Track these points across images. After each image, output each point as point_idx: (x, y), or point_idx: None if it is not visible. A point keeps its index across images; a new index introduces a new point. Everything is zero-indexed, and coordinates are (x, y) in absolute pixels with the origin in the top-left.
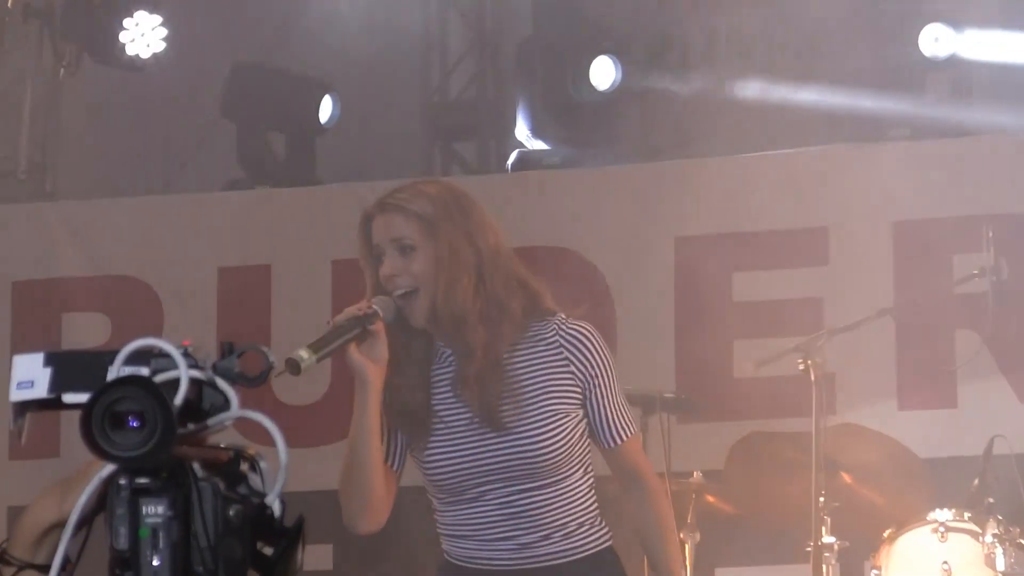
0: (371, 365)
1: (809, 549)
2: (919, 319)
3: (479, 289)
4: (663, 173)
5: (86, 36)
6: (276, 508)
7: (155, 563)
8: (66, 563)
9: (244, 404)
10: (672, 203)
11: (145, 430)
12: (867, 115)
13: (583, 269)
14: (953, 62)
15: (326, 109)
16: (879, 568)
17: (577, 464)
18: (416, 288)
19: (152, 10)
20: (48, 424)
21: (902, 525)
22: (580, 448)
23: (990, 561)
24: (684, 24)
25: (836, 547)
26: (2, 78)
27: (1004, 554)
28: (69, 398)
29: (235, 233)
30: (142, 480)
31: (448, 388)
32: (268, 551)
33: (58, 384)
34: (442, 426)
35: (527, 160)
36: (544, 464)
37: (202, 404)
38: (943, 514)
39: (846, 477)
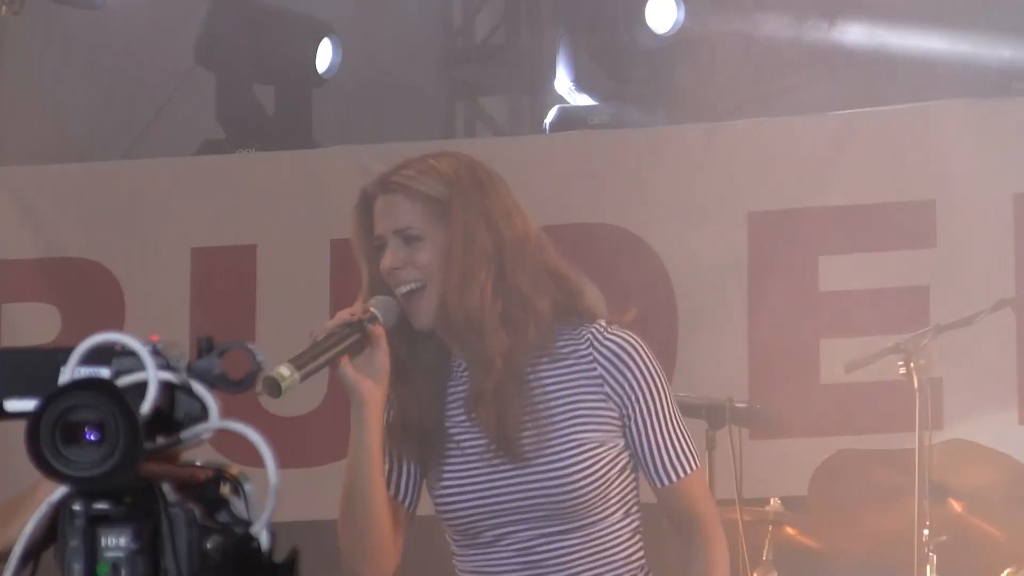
0: (367, 382)
1: None
2: None
3: (499, 285)
4: (734, 135)
5: None
6: (264, 540)
7: None
8: None
9: (225, 414)
10: (745, 171)
11: (105, 445)
12: (985, 64)
13: (636, 251)
14: None
15: (324, 56)
16: None
17: (616, 504)
18: (423, 284)
19: None
20: None
21: None
22: (620, 485)
23: None
24: None
25: None
26: None
27: None
28: (12, 405)
29: (213, 206)
30: (101, 505)
31: (462, 407)
32: None
33: None
34: (457, 453)
35: (569, 118)
36: (572, 503)
37: (175, 413)
38: None
39: (956, 505)
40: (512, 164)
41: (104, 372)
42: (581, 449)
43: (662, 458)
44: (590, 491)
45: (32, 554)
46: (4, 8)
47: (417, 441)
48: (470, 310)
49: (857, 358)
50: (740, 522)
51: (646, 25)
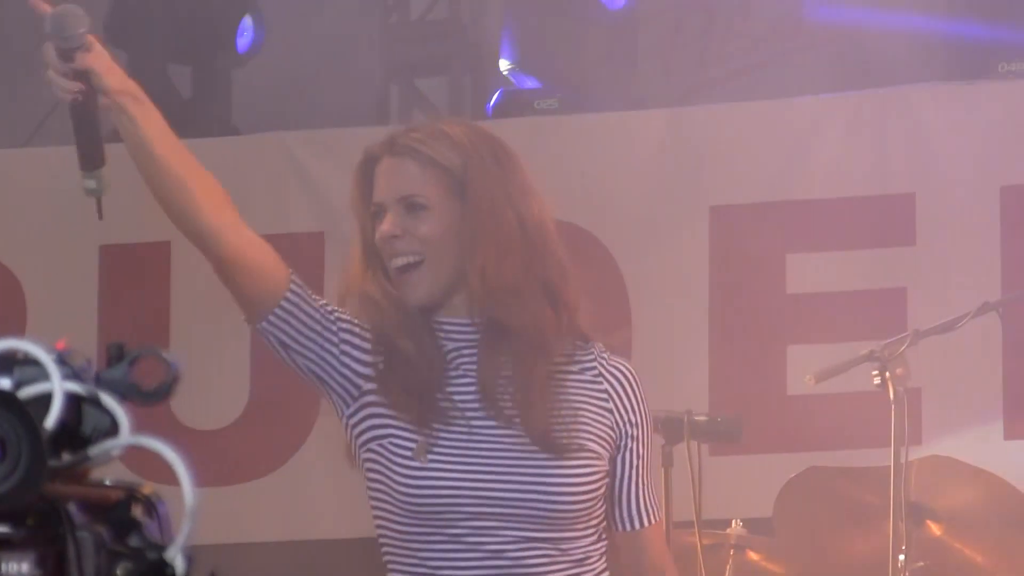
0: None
1: None
2: None
3: (530, 271)
4: (695, 122)
5: None
6: (179, 565)
7: None
8: None
9: (137, 426)
10: (707, 161)
11: (5, 462)
12: (970, 45)
13: (587, 249)
14: None
15: (245, 34)
16: None
17: (594, 525)
18: (422, 258)
19: None
20: None
21: None
22: (599, 506)
23: None
24: None
25: None
26: None
27: None
28: None
29: (123, 200)
30: (1, 529)
31: (470, 383)
32: None
33: None
34: (464, 426)
35: (514, 102)
36: (567, 510)
37: (82, 427)
38: None
39: (935, 528)
40: None
41: (4, 383)
42: (589, 456)
43: (644, 499)
44: (586, 500)
45: None
46: None
47: (416, 390)
48: (508, 283)
49: (828, 367)
50: (699, 546)
51: (599, 0)
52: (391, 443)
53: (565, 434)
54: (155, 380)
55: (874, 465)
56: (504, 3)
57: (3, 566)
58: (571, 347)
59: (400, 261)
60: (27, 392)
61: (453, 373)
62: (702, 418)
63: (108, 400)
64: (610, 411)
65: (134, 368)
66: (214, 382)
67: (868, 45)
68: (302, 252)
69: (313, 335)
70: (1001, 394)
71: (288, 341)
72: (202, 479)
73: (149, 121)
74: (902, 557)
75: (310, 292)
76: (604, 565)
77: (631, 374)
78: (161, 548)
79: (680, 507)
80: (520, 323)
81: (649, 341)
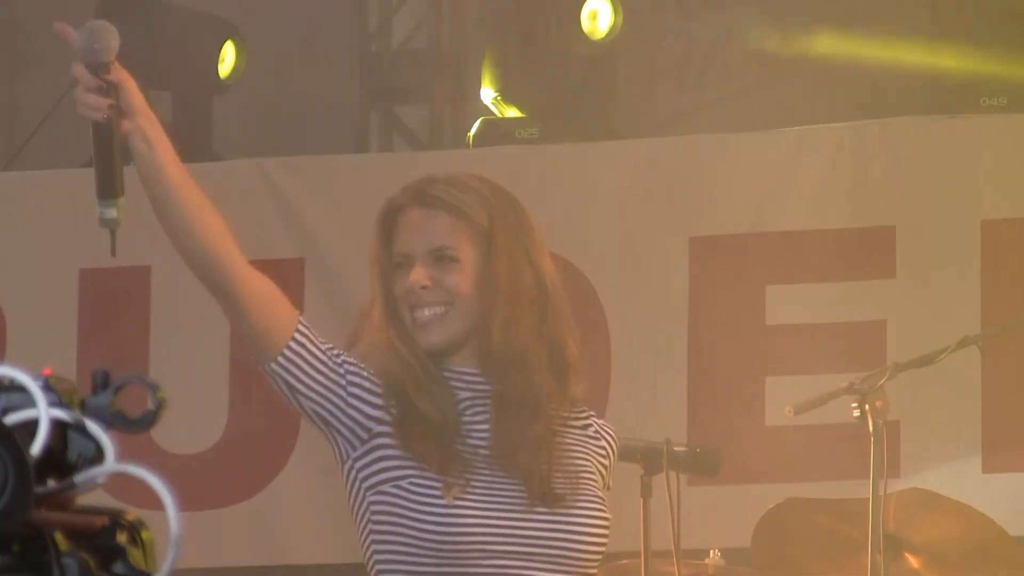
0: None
1: None
2: (1014, 351)
3: (542, 329)
4: (675, 152)
5: None
6: None
7: None
8: None
9: (120, 451)
10: (687, 192)
11: None
12: (952, 79)
13: (566, 279)
14: None
15: (227, 59)
16: None
17: (594, 571)
18: (447, 309)
19: None
20: None
21: None
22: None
23: None
24: None
25: None
26: None
27: None
28: None
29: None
30: None
31: (485, 431)
32: None
33: None
34: (486, 471)
35: (495, 131)
36: (587, 554)
37: (67, 454)
38: None
39: (913, 560)
40: None
41: None
42: (601, 504)
43: None
44: (602, 545)
45: None
46: None
47: (435, 440)
48: (518, 349)
49: (807, 399)
50: None
51: (581, 30)
52: (411, 484)
53: (564, 485)
54: (140, 408)
55: (853, 497)
56: (485, 32)
57: None
58: (568, 406)
59: (427, 312)
60: (13, 418)
61: (468, 421)
62: (681, 448)
63: (93, 427)
64: (605, 467)
65: (119, 395)
66: (193, 406)
67: (850, 77)
68: (282, 278)
69: (320, 377)
70: (980, 428)
71: (295, 383)
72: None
73: (166, 148)
74: None
75: (316, 334)
76: None
77: (615, 440)
78: (146, 575)
79: (658, 537)
80: (519, 390)
81: (629, 370)
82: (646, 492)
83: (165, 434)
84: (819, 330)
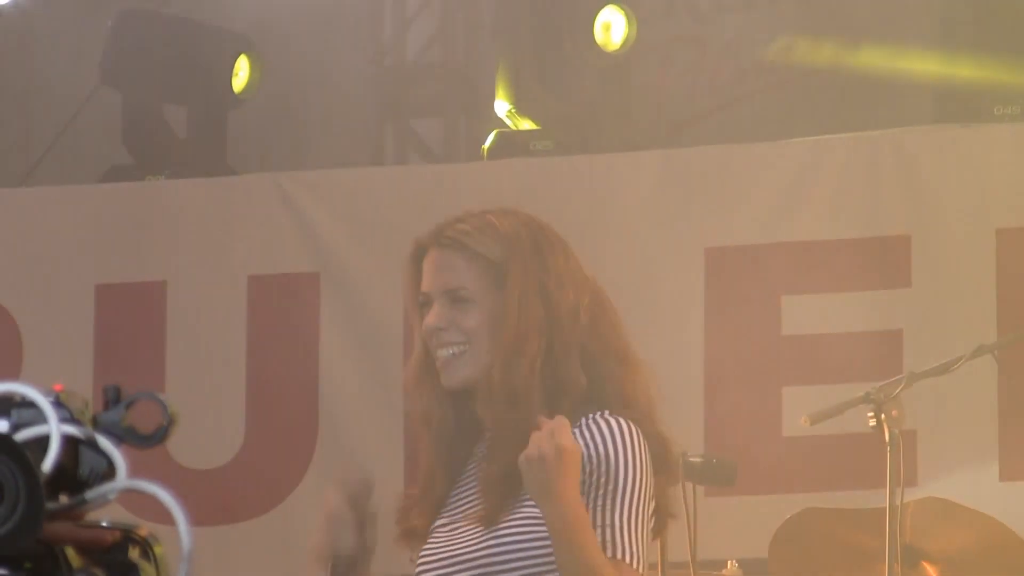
0: None
1: None
2: None
3: (547, 360)
4: (690, 163)
5: None
6: None
7: None
8: None
9: (133, 468)
10: (702, 202)
11: (3, 506)
12: (965, 88)
13: None
14: None
15: (241, 74)
16: None
17: None
18: (466, 348)
19: None
20: None
21: None
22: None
23: None
24: None
25: None
26: None
27: None
28: None
29: (119, 239)
30: None
31: (474, 472)
32: None
33: None
34: (449, 512)
35: (509, 144)
36: (522, 560)
37: (79, 470)
38: None
39: (930, 570)
40: (447, 193)
41: (1, 425)
42: (523, 518)
43: (614, 533)
44: (531, 560)
45: None
46: None
47: (429, 505)
48: (515, 387)
49: (823, 408)
50: None
51: (594, 42)
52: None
53: (506, 506)
54: (152, 423)
55: (869, 507)
56: (499, 45)
57: None
58: None
59: (446, 352)
60: (24, 435)
61: (463, 477)
62: (697, 459)
63: (105, 443)
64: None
65: (131, 411)
66: (210, 421)
67: (862, 86)
68: (297, 292)
69: None
70: (997, 436)
71: None
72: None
73: None
74: None
75: None
76: None
77: (616, 424)
78: None
79: (675, 548)
80: (509, 428)
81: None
82: None
83: (182, 449)
84: (835, 340)
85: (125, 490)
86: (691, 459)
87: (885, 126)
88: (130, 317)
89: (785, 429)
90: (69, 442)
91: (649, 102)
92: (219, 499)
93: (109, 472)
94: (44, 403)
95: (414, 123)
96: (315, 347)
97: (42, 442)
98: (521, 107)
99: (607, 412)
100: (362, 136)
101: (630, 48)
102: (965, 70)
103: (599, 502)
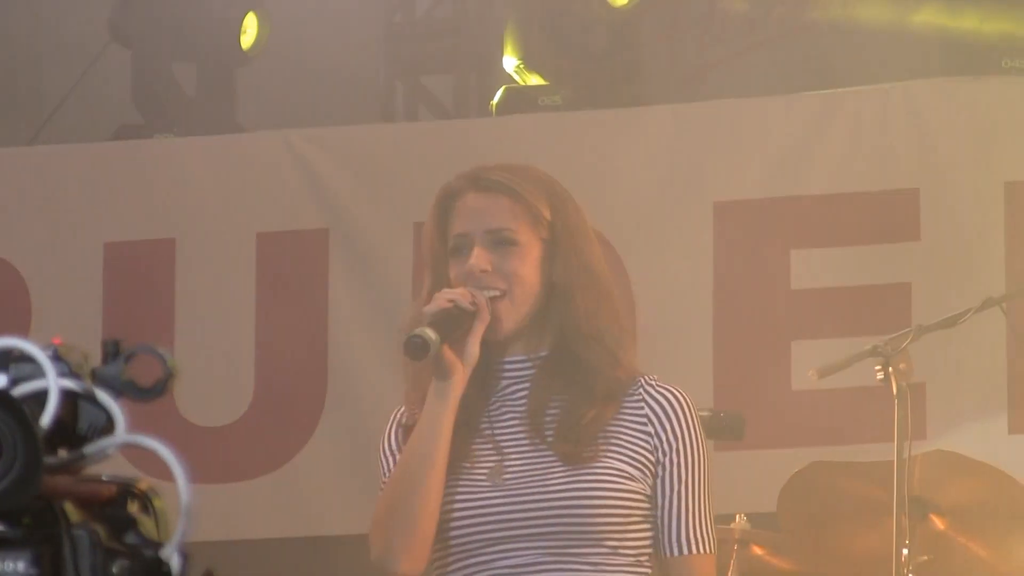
0: (460, 366)
1: None
2: None
3: (604, 323)
4: (699, 117)
5: None
6: (175, 563)
7: None
8: None
9: (138, 423)
10: (711, 157)
11: (1, 460)
12: (973, 40)
13: None
14: None
15: (250, 31)
16: None
17: (631, 548)
18: (506, 292)
19: None
20: None
21: None
22: (637, 529)
23: None
24: None
25: None
26: None
27: None
28: None
29: (127, 197)
30: None
31: (513, 418)
32: None
33: None
34: (496, 458)
35: (518, 99)
36: (593, 525)
37: (78, 425)
38: None
39: (939, 522)
40: (456, 149)
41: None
42: (612, 472)
43: (685, 526)
44: (605, 515)
45: None
46: None
47: (457, 440)
48: (600, 334)
49: (831, 362)
50: None
51: None
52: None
53: (590, 450)
54: (151, 377)
55: (878, 460)
56: (508, 1)
57: (0, 564)
58: (622, 384)
59: (487, 294)
60: (22, 390)
61: (493, 406)
62: (706, 413)
63: (104, 397)
64: (650, 435)
65: (130, 364)
66: (219, 379)
67: (871, 39)
68: (307, 249)
69: None
70: (1005, 388)
71: None
72: (207, 475)
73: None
74: (906, 551)
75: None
76: None
77: (676, 399)
78: (158, 545)
79: None
80: (582, 376)
81: (654, 336)
82: None
83: (191, 407)
84: (844, 293)
85: (124, 445)
86: (700, 413)
87: (892, 79)
88: (139, 275)
89: (794, 383)
90: (68, 396)
91: (658, 56)
92: (228, 456)
93: (108, 426)
94: (42, 357)
95: (424, 79)
96: (324, 303)
97: (40, 397)
98: (529, 62)
99: (660, 382)
100: (372, 93)
101: (638, 2)
102: (973, 22)
103: (686, 483)
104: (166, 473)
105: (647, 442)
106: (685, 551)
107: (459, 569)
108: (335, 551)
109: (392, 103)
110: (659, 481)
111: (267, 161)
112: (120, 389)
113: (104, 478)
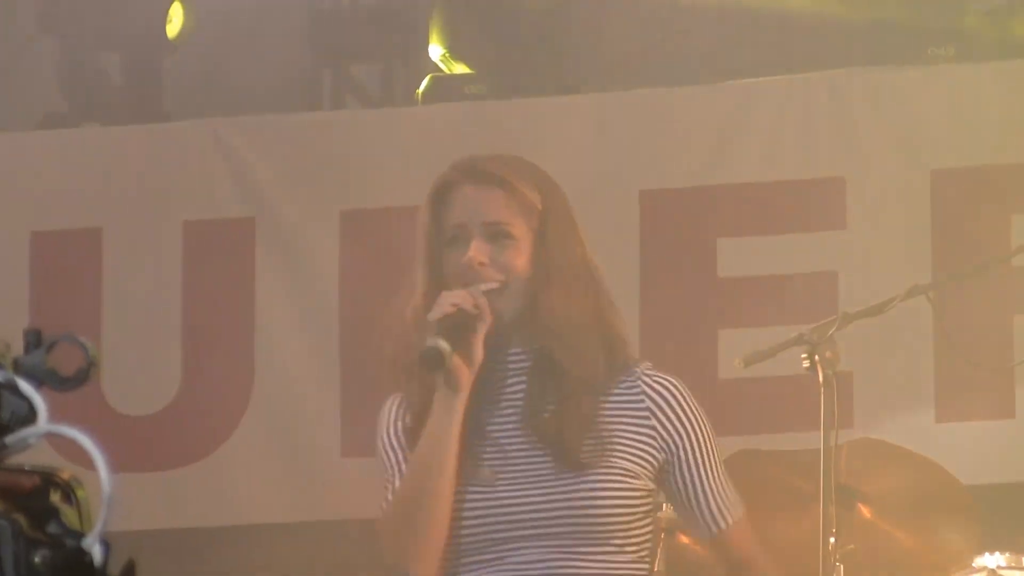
0: (466, 370)
1: None
2: (965, 300)
3: (595, 304)
4: (625, 106)
5: None
6: (97, 553)
7: None
8: None
9: (63, 413)
10: (636, 146)
11: None
12: (899, 29)
13: None
14: None
15: (176, 19)
16: None
17: (634, 544)
18: (504, 285)
19: None
20: None
21: (940, 573)
22: (641, 525)
23: None
24: None
25: None
26: None
27: None
28: None
29: (54, 186)
30: None
31: (512, 412)
32: None
33: None
34: (499, 456)
35: (443, 88)
36: (599, 523)
37: (0, 414)
38: (994, 559)
39: (865, 511)
40: (383, 138)
41: None
42: (617, 472)
43: (713, 502)
44: (613, 515)
45: None
46: None
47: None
48: (576, 325)
49: (757, 350)
50: None
51: None
52: None
53: (591, 452)
54: (73, 366)
55: (804, 448)
56: None
57: None
58: (617, 376)
59: (484, 287)
60: None
61: (493, 402)
62: None
63: (26, 387)
64: (653, 428)
65: (52, 354)
66: (146, 368)
67: (797, 27)
68: (233, 237)
69: None
70: (933, 377)
71: None
72: (134, 465)
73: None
74: (833, 540)
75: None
76: None
77: (675, 388)
78: (80, 535)
79: None
80: (577, 366)
81: None
82: None
83: (118, 396)
84: (771, 282)
85: (45, 434)
86: None
87: (819, 68)
88: (66, 264)
89: (721, 371)
90: None
91: (583, 45)
92: (155, 445)
93: (30, 416)
94: None
95: (351, 68)
96: (251, 291)
97: None
98: (455, 51)
99: (657, 372)
100: (299, 82)
101: None
102: (899, 11)
103: (702, 466)
104: (90, 462)
105: (652, 438)
106: (723, 525)
107: (466, 566)
108: (262, 539)
109: (318, 91)
110: (676, 472)
111: (193, 150)
112: (42, 378)
113: (26, 468)
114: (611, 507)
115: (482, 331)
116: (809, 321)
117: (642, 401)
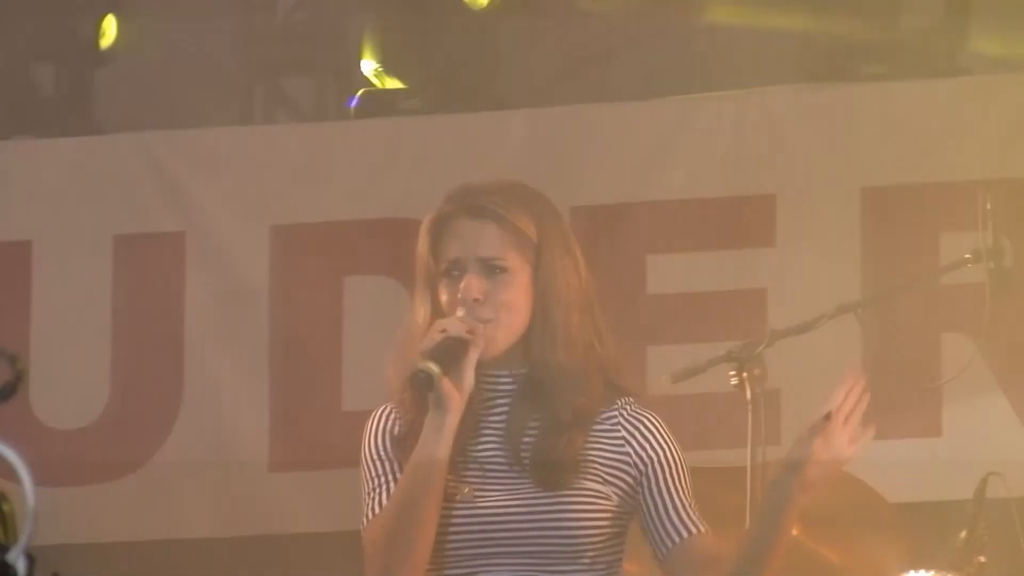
0: (456, 394)
1: None
2: (892, 318)
3: (592, 331)
4: (555, 122)
5: None
6: (21, 566)
7: None
8: None
9: None
10: (567, 161)
11: None
12: (830, 46)
13: None
14: None
15: (109, 32)
16: None
17: (603, 565)
18: (495, 320)
19: None
20: None
21: None
22: (613, 546)
23: None
24: None
25: None
26: None
27: None
28: None
29: None
30: None
31: (493, 435)
32: None
33: None
34: (479, 474)
35: (376, 103)
36: (571, 544)
37: None
38: None
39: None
40: (317, 153)
41: None
42: (590, 493)
43: (676, 515)
44: (584, 535)
45: None
46: None
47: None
48: (575, 356)
49: (685, 367)
50: None
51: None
52: None
53: (568, 474)
54: (0, 379)
55: (732, 466)
56: (366, 3)
57: None
58: (606, 404)
59: (479, 320)
60: None
61: (475, 422)
62: None
63: None
64: (626, 454)
65: None
66: (74, 382)
67: (729, 44)
68: (163, 251)
69: None
70: None
71: None
72: (62, 478)
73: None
74: None
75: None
76: None
77: (651, 420)
78: (4, 548)
79: None
80: (564, 397)
81: None
82: None
83: (47, 409)
84: (700, 299)
85: None
86: None
87: (750, 84)
88: None
89: (650, 388)
90: None
91: (516, 60)
92: (85, 459)
93: None
94: None
95: (282, 82)
96: (180, 306)
97: None
98: (388, 66)
99: (637, 407)
100: (230, 96)
101: (497, 5)
102: (830, 28)
103: (671, 482)
104: (15, 476)
105: (625, 463)
106: (684, 534)
107: None
108: (191, 553)
109: (250, 105)
110: (645, 492)
111: (124, 163)
112: None
113: None
114: (583, 527)
115: (474, 356)
116: (738, 338)
117: (617, 431)
